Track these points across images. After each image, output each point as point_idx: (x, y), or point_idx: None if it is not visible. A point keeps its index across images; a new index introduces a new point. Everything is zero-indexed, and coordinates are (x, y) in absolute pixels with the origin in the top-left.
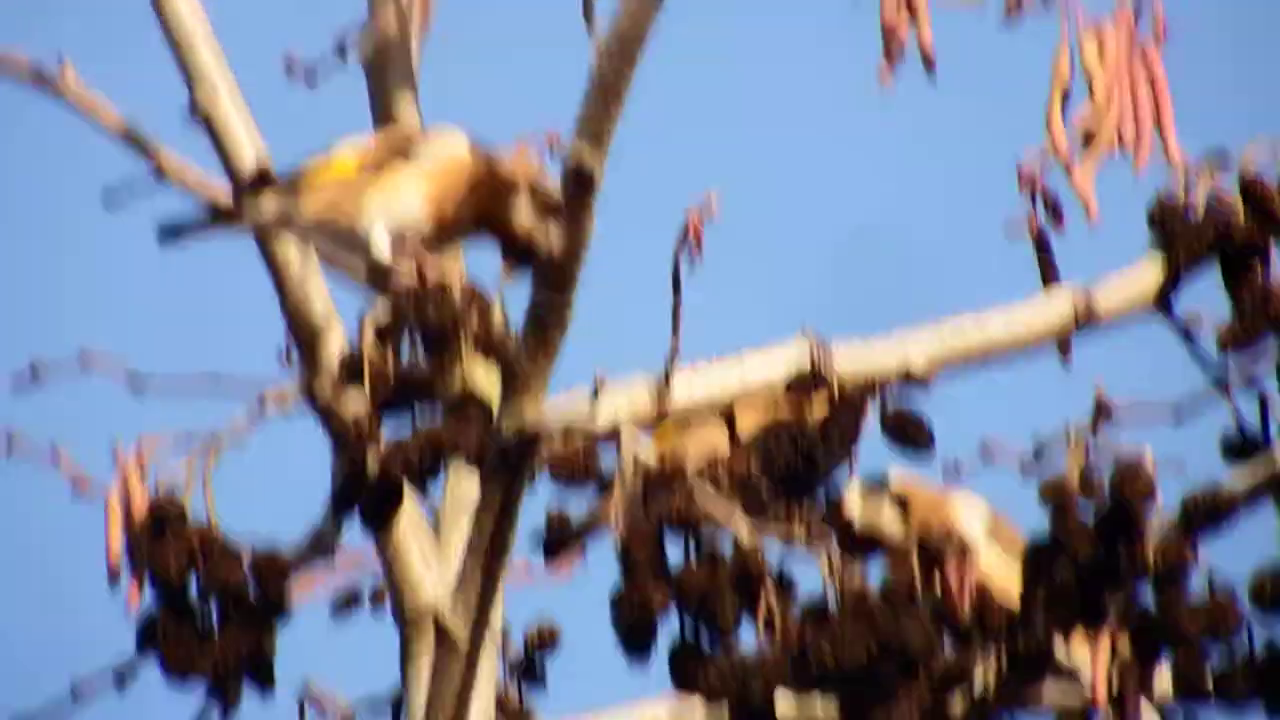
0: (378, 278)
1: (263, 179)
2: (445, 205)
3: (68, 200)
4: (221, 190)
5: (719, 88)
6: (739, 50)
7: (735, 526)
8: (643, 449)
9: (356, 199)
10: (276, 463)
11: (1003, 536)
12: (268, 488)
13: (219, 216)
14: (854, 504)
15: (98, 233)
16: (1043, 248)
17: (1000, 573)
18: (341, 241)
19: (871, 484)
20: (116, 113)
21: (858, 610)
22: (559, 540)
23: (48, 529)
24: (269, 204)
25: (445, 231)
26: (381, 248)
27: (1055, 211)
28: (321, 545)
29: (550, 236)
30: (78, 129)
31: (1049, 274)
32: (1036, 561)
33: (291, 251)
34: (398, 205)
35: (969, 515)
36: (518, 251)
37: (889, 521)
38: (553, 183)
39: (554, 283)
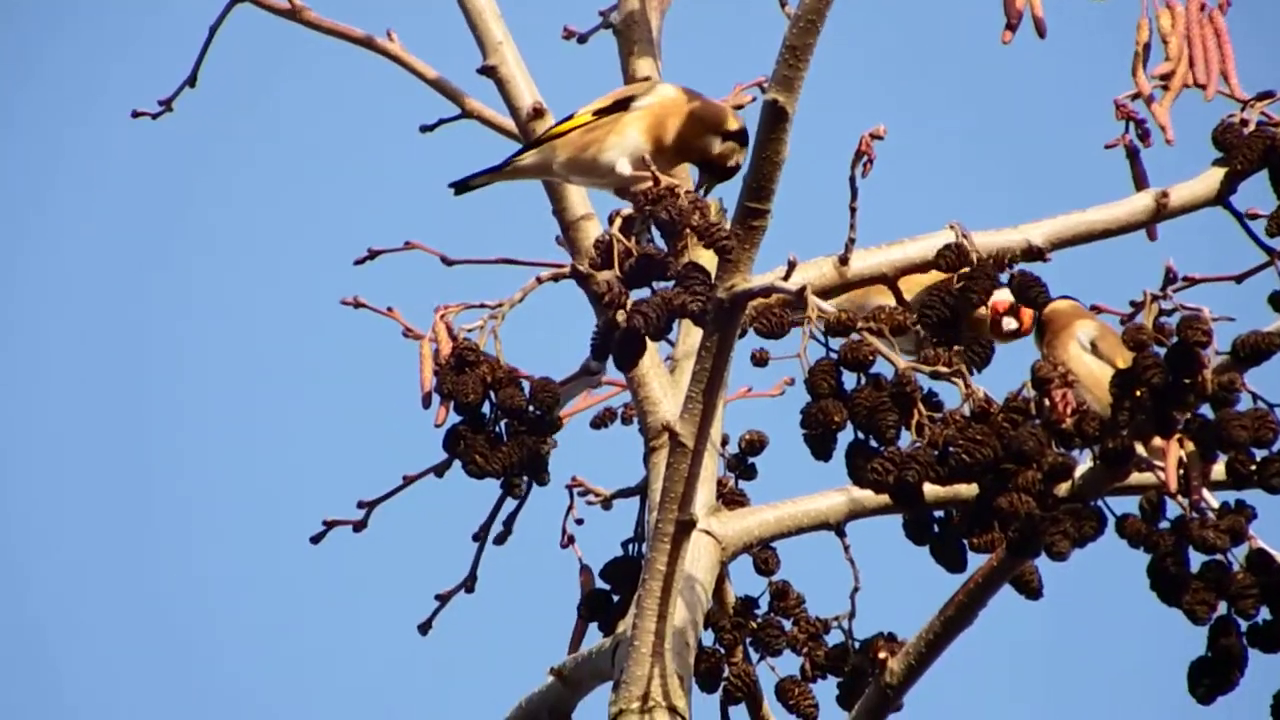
0: (622, 189)
1: (538, 113)
2: (662, 135)
3: (398, 132)
4: (507, 126)
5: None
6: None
7: (893, 360)
8: (825, 305)
9: (599, 142)
10: (550, 319)
11: (1106, 343)
12: (544, 338)
13: (496, 172)
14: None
15: (422, 156)
16: (1134, 159)
17: (1097, 374)
18: (589, 171)
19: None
20: (431, 70)
21: (985, 420)
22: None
23: (384, 365)
24: (531, 158)
25: (665, 155)
26: (623, 168)
27: (1143, 133)
28: (588, 373)
29: (739, 159)
30: (401, 80)
31: (1139, 180)
32: (1122, 387)
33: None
34: (629, 140)
35: (1084, 329)
36: (714, 171)
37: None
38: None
39: (756, 193)
